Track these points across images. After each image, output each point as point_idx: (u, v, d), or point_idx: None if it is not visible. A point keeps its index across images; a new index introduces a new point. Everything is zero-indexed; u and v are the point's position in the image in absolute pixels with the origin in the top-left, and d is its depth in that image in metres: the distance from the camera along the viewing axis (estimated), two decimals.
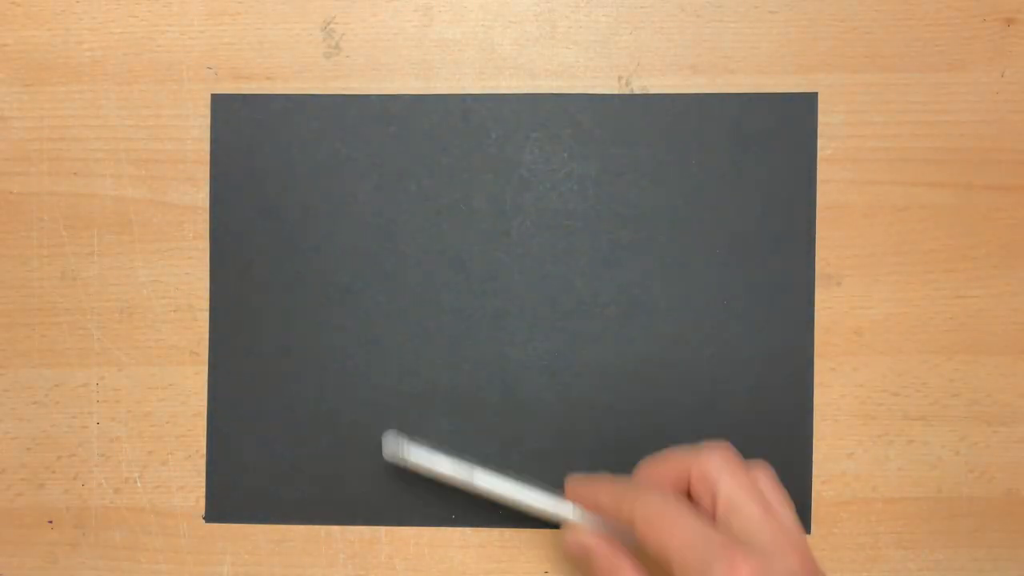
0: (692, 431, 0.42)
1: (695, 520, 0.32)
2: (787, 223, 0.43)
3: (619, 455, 0.43)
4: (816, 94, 0.43)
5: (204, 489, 0.43)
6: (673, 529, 0.32)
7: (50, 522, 0.44)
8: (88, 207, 0.44)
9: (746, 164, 0.43)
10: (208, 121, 0.44)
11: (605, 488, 0.36)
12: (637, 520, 0.33)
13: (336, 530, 0.43)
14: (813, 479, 0.43)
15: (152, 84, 0.44)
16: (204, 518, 0.43)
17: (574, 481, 0.39)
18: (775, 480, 0.35)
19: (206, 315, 0.44)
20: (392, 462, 0.41)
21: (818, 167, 0.43)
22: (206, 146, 0.44)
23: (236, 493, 0.43)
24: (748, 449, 0.42)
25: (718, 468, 0.34)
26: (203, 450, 0.43)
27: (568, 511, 0.38)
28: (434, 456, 0.40)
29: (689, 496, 0.35)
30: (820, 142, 0.43)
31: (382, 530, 0.43)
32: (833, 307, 0.43)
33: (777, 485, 0.35)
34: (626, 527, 0.34)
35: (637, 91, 0.43)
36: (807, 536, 0.35)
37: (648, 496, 0.33)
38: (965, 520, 0.43)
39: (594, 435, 0.43)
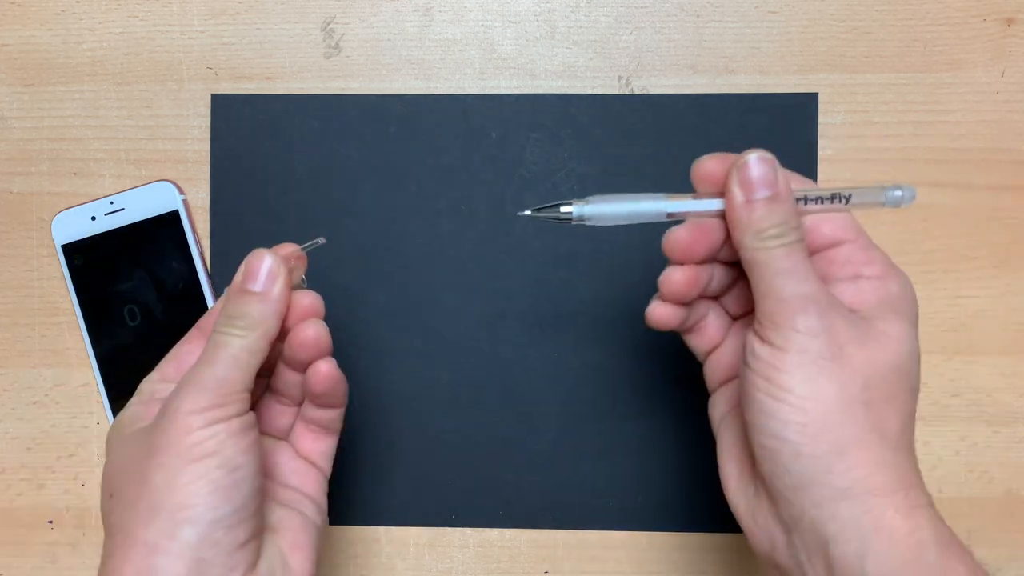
0: (693, 431, 0.42)
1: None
2: None
3: (619, 456, 0.43)
4: (816, 94, 0.43)
5: None
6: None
7: (50, 522, 0.44)
8: None
9: None
10: (208, 121, 0.44)
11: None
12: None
13: (336, 530, 0.43)
14: None
15: (152, 84, 0.44)
16: None
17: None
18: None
19: None
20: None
21: (818, 167, 0.43)
22: (206, 146, 0.44)
23: None
24: None
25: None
26: None
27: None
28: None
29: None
30: (820, 142, 0.43)
31: (382, 530, 0.43)
32: None
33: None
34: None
35: (637, 91, 0.43)
36: None
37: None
38: (965, 520, 0.43)
39: (594, 436, 0.43)
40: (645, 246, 0.43)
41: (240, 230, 0.43)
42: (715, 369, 0.34)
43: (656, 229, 0.44)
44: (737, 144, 0.43)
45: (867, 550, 0.28)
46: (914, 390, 0.30)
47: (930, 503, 0.29)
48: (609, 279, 0.43)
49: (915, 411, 0.30)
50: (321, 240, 0.35)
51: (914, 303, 0.31)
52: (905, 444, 0.29)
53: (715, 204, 0.32)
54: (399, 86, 0.44)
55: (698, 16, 0.43)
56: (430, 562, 0.43)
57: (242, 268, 0.32)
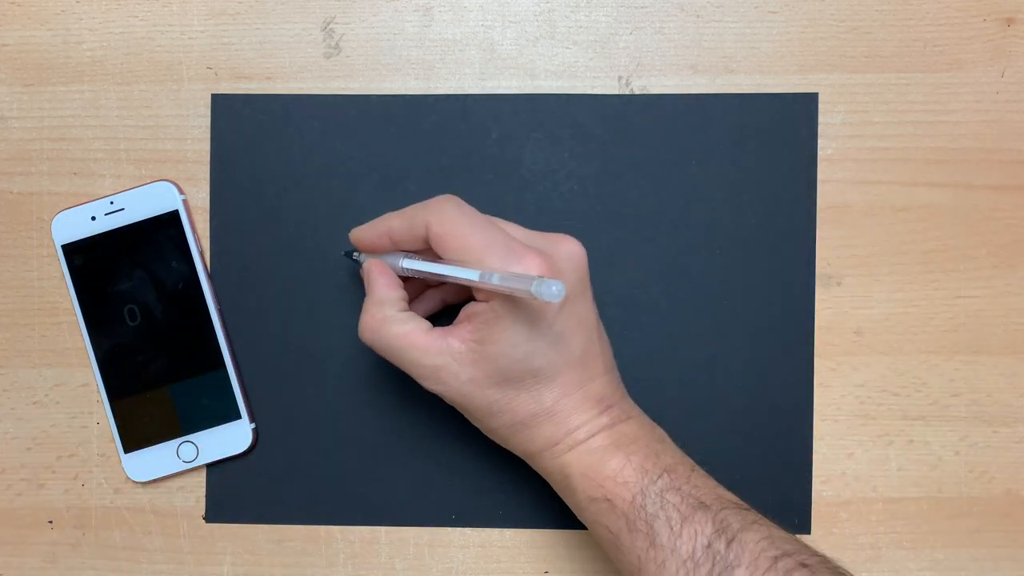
0: (692, 430, 0.42)
1: (489, 224, 0.36)
2: (787, 223, 0.43)
3: None
4: (816, 94, 0.43)
5: (204, 489, 0.43)
6: (472, 232, 0.35)
7: (50, 522, 0.44)
8: None
9: (746, 164, 0.43)
10: (208, 121, 0.44)
11: (391, 217, 0.38)
12: (433, 225, 0.36)
13: (336, 530, 0.43)
14: (813, 479, 0.43)
15: (152, 84, 0.44)
16: (204, 518, 0.43)
17: (358, 230, 0.39)
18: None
19: None
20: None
21: (818, 167, 0.43)
22: (206, 146, 0.44)
23: (236, 493, 0.43)
24: (748, 449, 0.42)
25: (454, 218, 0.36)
26: None
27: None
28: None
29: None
30: (820, 142, 0.43)
31: (382, 530, 0.43)
32: (833, 307, 0.43)
33: None
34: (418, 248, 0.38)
35: (637, 91, 0.43)
36: None
37: (442, 205, 0.36)
38: (965, 520, 0.43)
39: None
40: (645, 245, 0.43)
41: (240, 230, 0.43)
42: None
43: (662, 231, 0.44)
44: (737, 144, 0.43)
45: None
46: None
47: None
48: (609, 279, 0.43)
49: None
50: None
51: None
52: None
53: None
54: (399, 86, 0.44)
55: (698, 16, 0.43)
56: (430, 562, 0.43)
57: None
